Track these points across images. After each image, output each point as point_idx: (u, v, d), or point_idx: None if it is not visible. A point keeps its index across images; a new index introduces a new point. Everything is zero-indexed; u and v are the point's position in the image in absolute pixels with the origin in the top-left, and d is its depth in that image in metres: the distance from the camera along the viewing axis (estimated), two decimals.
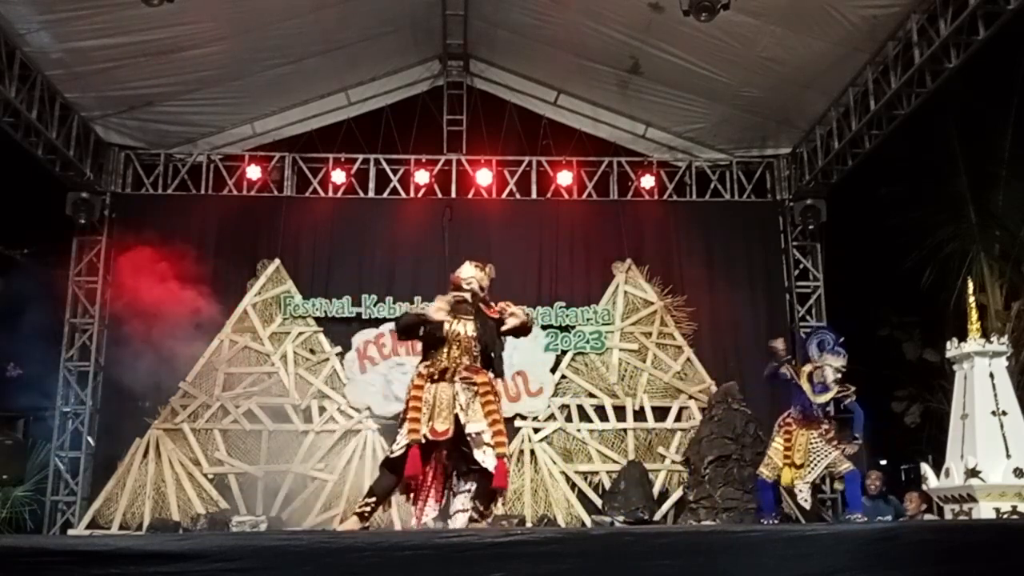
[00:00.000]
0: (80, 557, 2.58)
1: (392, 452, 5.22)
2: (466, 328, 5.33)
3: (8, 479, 9.42)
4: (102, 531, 9.56)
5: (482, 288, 5.49)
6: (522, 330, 5.53)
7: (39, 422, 10.27)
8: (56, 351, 10.53)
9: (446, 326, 5.30)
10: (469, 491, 5.28)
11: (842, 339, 7.66)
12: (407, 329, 5.51)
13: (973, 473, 6.41)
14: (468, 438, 5.14)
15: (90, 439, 10.42)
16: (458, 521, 5.25)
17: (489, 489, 5.20)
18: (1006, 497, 6.35)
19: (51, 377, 10.51)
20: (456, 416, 5.14)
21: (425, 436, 5.11)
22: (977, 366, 6.79)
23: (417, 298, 10.56)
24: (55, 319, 10.60)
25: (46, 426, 10.42)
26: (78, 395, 10.51)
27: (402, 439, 5.16)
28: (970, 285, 7.75)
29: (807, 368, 7.68)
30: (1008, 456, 6.40)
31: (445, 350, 5.30)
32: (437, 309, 5.30)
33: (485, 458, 5.11)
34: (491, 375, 5.34)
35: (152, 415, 10.25)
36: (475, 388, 5.24)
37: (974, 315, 7.08)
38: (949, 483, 6.63)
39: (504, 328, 5.45)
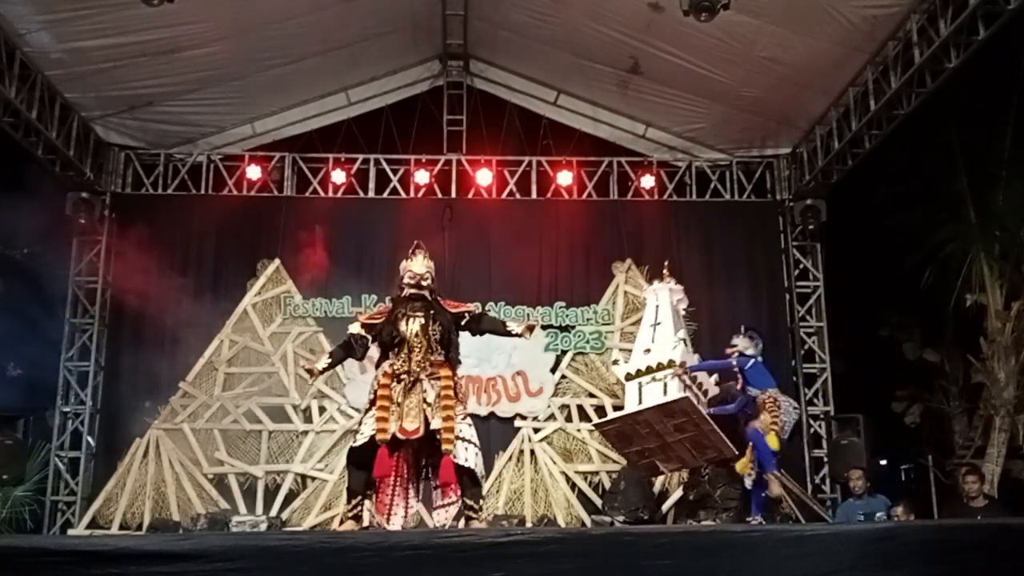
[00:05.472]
0: (80, 557, 2.59)
1: (355, 441, 5.29)
2: (420, 325, 5.38)
3: (8, 479, 9.42)
4: (102, 531, 9.56)
5: (433, 279, 5.59)
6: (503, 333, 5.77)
7: (39, 422, 10.24)
8: (56, 351, 10.52)
9: (402, 327, 5.36)
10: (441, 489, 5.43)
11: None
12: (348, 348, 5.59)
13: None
14: (438, 435, 5.23)
15: (90, 439, 10.39)
16: (439, 518, 5.38)
17: (471, 486, 5.30)
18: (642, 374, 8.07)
19: (51, 377, 10.50)
20: (425, 414, 5.24)
21: (394, 435, 5.16)
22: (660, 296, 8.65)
23: None
24: (55, 319, 10.59)
25: (46, 426, 10.41)
26: (78, 395, 10.49)
27: (367, 429, 5.22)
28: None
29: None
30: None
31: (405, 352, 5.35)
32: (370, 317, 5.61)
33: (456, 452, 5.20)
34: (452, 370, 5.43)
35: (152, 415, 10.23)
36: (439, 383, 5.32)
37: None
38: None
39: (497, 330, 5.69)
